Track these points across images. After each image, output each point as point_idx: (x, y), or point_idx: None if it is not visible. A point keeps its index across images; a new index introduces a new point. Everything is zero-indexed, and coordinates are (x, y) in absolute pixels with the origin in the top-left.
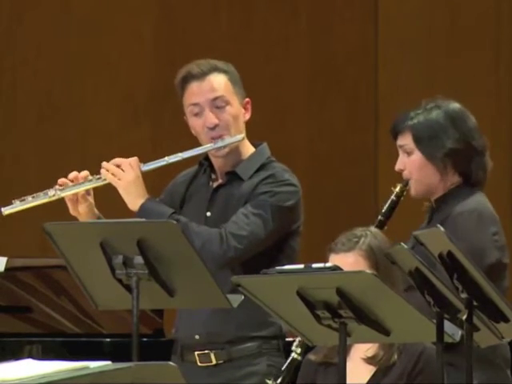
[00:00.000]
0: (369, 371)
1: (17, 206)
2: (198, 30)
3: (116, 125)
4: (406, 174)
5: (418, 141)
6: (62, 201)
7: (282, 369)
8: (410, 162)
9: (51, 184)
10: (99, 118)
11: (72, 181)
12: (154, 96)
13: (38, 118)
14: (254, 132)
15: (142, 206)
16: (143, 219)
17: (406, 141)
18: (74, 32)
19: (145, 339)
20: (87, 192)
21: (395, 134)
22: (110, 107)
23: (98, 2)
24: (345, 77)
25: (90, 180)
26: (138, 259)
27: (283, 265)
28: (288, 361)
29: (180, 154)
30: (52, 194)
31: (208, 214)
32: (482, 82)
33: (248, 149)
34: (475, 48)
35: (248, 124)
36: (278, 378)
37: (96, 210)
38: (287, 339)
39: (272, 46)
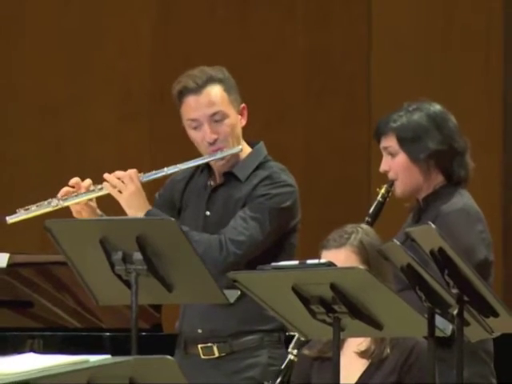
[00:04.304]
0: (362, 365)
1: (21, 215)
2: (195, 29)
3: (114, 124)
4: (391, 175)
5: (402, 143)
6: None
7: (280, 370)
8: (395, 164)
9: (52, 184)
10: (98, 117)
11: (73, 187)
12: (152, 95)
13: (38, 118)
14: (249, 131)
15: None
16: (142, 216)
17: (390, 143)
18: (74, 32)
19: (143, 333)
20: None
21: (378, 136)
22: (108, 107)
23: (97, 1)
24: (341, 76)
25: (92, 190)
26: (137, 255)
27: (282, 260)
28: (285, 362)
29: (178, 165)
30: (55, 204)
31: (207, 213)
32: (476, 81)
33: (245, 149)
34: (470, 48)
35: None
36: (277, 379)
37: (99, 211)
38: (287, 333)
39: (268, 45)
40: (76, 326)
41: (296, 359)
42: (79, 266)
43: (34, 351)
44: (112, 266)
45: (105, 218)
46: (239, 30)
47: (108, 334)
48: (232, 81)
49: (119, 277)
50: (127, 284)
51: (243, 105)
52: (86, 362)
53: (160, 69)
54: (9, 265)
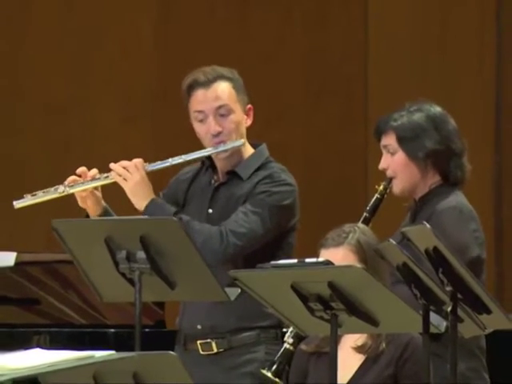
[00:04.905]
0: (358, 359)
1: (28, 200)
2: (196, 29)
3: (118, 124)
4: (389, 173)
5: (401, 141)
6: (69, 197)
7: (276, 358)
8: (394, 162)
9: (58, 182)
10: (102, 118)
11: (80, 176)
12: (155, 95)
13: (43, 118)
14: (249, 131)
15: (147, 207)
16: (145, 216)
17: (389, 141)
18: (77, 33)
19: (147, 330)
20: (95, 187)
21: (379, 134)
22: (112, 107)
23: (100, 2)
24: (339, 78)
25: (98, 178)
26: (141, 254)
27: (280, 259)
28: (281, 351)
29: (183, 156)
30: (62, 191)
31: (210, 211)
32: (470, 84)
33: (248, 149)
34: (465, 52)
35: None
36: (272, 367)
37: (103, 202)
38: (284, 329)
39: (268, 46)
40: (81, 323)
41: (292, 348)
42: (84, 265)
43: (41, 347)
44: (116, 264)
45: (109, 218)
46: (239, 30)
47: (112, 330)
48: (241, 82)
49: (123, 275)
50: (131, 282)
51: (250, 106)
52: (91, 357)
53: (162, 69)
54: (16, 263)
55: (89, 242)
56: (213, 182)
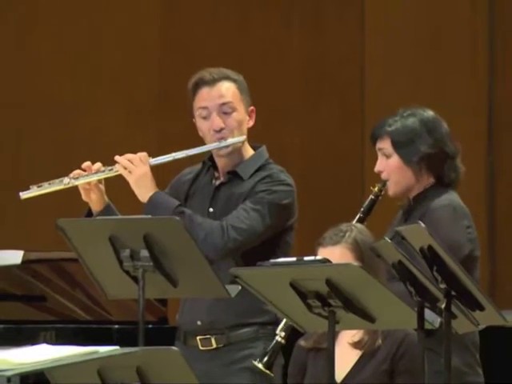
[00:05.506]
0: (355, 355)
1: (34, 191)
2: (199, 35)
3: (123, 129)
4: (384, 175)
5: (396, 146)
6: (75, 196)
7: (267, 350)
8: (389, 165)
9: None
10: (107, 122)
11: (85, 170)
12: (159, 100)
13: (50, 120)
14: (249, 134)
15: (151, 199)
16: (149, 216)
17: (384, 145)
18: (83, 39)
19: (150, 326)
20: (99, 181)
21: (374, 138)
22: (117, 112)
23: (106, 9)
24: (336, 80)
25: (103, 171)
26: (144, 253)
27: (278, 258)
28: (273, 343)
29: (186, 151)
30: (67, 182)
31: (211, 209)
32: (464, 88)
33: (248, 151)
34: (459, 56)
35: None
36: (264, 358)
37: (106, 198)
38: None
39: (267, 52)
40: (86, 319)
41: (283, 341)
42: (90, 263)
43: (47, 342)
44: (120, 262)
45: (114, 217)
46: (240, 32)
47: (116, 326)
48: (245, 84)
49: (127, 273)
50: (135, 279)
51: (252, 107)
52: (96, 352)
53: (167, 75)
54: (23, 261)
55: (94, 240)
56: (214, 181)
